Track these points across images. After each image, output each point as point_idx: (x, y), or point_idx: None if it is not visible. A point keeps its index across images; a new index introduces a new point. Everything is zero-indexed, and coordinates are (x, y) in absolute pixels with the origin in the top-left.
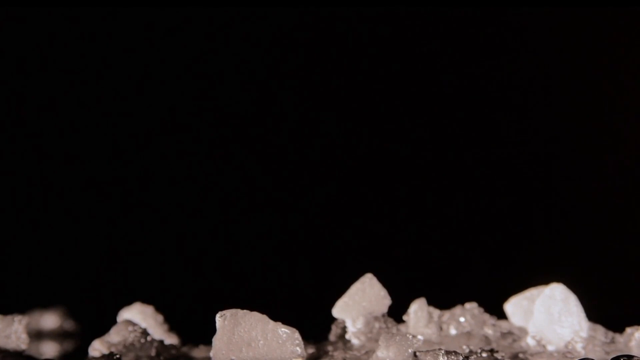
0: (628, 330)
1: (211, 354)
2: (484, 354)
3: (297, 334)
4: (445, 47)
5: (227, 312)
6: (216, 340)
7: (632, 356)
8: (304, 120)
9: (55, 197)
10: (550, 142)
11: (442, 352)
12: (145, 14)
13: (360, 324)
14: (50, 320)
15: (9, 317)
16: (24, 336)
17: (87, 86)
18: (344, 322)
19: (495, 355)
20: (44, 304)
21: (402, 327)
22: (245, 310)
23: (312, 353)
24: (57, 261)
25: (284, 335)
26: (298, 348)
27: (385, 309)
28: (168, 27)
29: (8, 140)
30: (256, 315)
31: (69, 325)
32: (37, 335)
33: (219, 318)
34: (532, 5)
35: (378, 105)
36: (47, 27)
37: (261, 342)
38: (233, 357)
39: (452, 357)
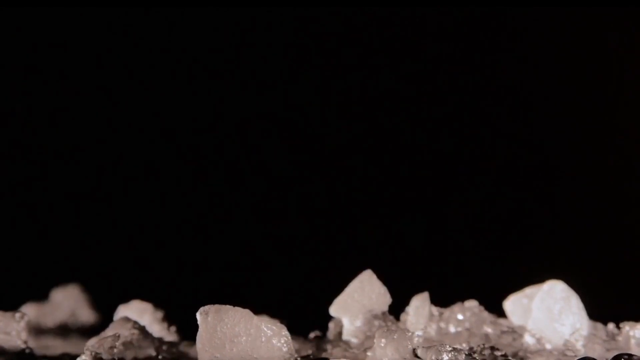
0: (627, 327)
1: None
2: (485, 352)
3: (284, 331)
4: (445, 46)
5: (209, 308)
6: (198, 337)
7: (632, 355)
8: (302, 117)
9: (53, 195)
10: (550, 139)
11: (446, 347)
12: (144, 14)
13: (359, 322)
14: (59, 309)
15: (9, 314)
16: (24, 334)
17: (88, 85)
18: (342, 320)
19: (495, 353)
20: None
21: (402, 324)
22: (228, 306)
23: (311, 352)
24: (56, 259)
25: (269, 332)
26: (285, 345)
27: (385, 307)
28: (170, 27)
29: (11, 137)
30: (239, 310)
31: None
32: (38, 330)
33: (198, 315)
34: (532, 5)
35: (378, 103)
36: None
37: (244, 338)
38: (217, 355)
39: (455, 353)
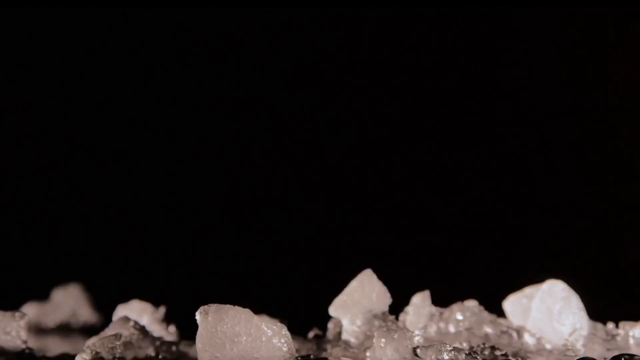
0: (627, 327)
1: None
2: (485, 352)
3: (284, 331)
4: (445, 46)
5: (208, 308)
6: (198, 337)
7: (633, 355)
8: (302, 117)
9: (53, 195)
10: (550, 139)
11: (446, 346)
12: (144, 14)
13: (359, 322)
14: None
15: (9, 314)
16: (24, 333)
17: (88, 84)
18: (341, 320)
19: (495, 353)
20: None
21: (401, 324)
22: (228, 305)
23: (310, 352)
24: (56, 259)
25: (270, 332)
26: (285, 345)
27: (385, 307)
28: (171, 26)
29: (11, 137)
30: (239, 310)
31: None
32: (38, 330)
33: (198, 314)
34: (532, 5)
35: (377, 103)
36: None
37: (244, 337)
38: (217, 354)
39: (455, 352)
